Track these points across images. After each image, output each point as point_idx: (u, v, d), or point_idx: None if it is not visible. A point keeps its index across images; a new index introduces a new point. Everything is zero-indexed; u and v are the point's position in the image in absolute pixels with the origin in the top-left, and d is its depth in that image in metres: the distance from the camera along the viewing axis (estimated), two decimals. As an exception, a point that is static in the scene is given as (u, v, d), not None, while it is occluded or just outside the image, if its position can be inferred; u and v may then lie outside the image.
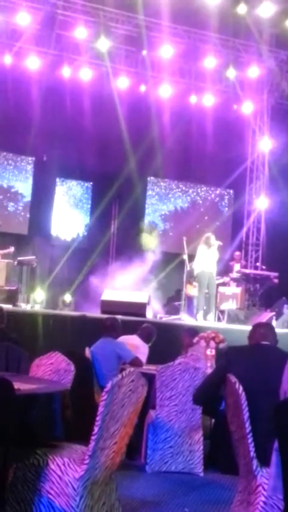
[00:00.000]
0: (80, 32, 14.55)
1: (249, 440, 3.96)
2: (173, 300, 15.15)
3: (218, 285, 13.86)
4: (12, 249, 13.59)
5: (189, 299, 13.52)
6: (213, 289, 12.94)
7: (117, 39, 15.09)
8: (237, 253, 15.95)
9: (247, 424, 3.96)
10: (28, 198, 17.36)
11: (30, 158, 17.41)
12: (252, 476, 3.98)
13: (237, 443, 4.21)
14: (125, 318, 9.15)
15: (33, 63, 14.98)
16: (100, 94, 15.76)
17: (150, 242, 12.99)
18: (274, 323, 12.16)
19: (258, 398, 4.07)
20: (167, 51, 15.09)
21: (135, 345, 7.70)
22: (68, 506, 3.75)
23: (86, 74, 15.53)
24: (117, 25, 14.82)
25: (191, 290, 13.23)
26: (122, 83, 15.85)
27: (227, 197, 19.17)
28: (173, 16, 14.44)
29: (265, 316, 12.67)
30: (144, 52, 14.99)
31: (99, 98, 15.73)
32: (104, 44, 14.77)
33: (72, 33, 14.66)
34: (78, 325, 9.77)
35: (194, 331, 8.31)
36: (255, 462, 3.96)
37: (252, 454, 3.96)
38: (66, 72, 15.28)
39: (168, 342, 9.27)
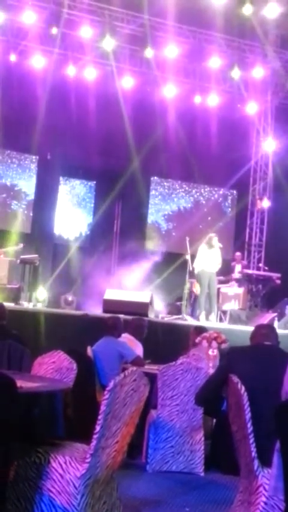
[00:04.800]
0: (85, 31, 14.56)
1: (251, 441, 3.96)
2: (175, 300, 15.14)
3: (220, 285, 13.85)
4: (21, 246, 13.67)
5: (193, 299, 13.51)
6: (214, 289, 12.92)
7: (122, 38, 15.10)
8: (238, 253, 15.93)
9: (249, 424, 3.97)
10: (31, 196, 17.37)
11: (34, 157, 17.42)
12: (253, 476, 3.98)
13: (239, 443, 4.21)
14: (127, 317, 9.15)
15: (38, 62, 15.00)
16: (105, 93, 15.76)
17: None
18: (276, 323, 12.15)
19: (260, 399, 4.07)
20: (171, 51, 15.10)
21: (129, 344, 7.67)
22: (69, 505, 3.76)
23: (90, 74, 15.55)
24: (122, 24, 14.82)
25: (199, 289, 13.20)
26: (126, 82, 15.86)
27: (230, 197, 19.17)
28: (178, 16, 14.43)
29: (267, 317, 12.66)
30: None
31: (104, 97, 15.73)
32: (109, 44, 14.78)
33: (77, 32, 14.68)
34: (80, 324, 9.78)
35: (201, 329, 8.31)
36: (256, 462, 3.96)
37: (253, 454, 3.96)
38: (71, 71, 15.31)
39: (170, 341, 9.28)
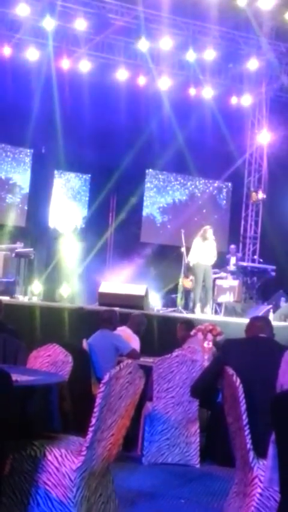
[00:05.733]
0: (80, 24, 14.51)
1: (246, 432, 3.97)
2: (170, 292, 15.17)
3: (215, 278, 13.89)
4: (21, 245, 13.67)
5: (188, 292, 13.54)
6: (209, 281, 12.95)
7: (116, 30, 15.06)
8: (233, 246, 15.97)
9: (244, 416, 3.98)
10: (26, 190, 17.34)
11: (28, 150, 17.38)
12: (248, 468, 4.00)
13: (234, 435, 4.22)
14: (123, 310, 9.16)
15: (32, 54, 14.95)
16: (99, 86, 15.74)
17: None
18: (271, 315, 12.19)
19: (255, 391, 4.08)
20: (166, 43, 15.06)
21: (126, 337, 7.71)
22: (65, 497, 3.76)
23: (85, 66, 15.52)
24: (116, 16, 14.78)
25: (187, 283, 13.24)
26: (121, 75, 15.84)
27: (225, 190, 19.17)
28: (173, 8, 14.40)
29: (262, 309, 12.70)
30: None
31: (98, 90, 15.70)
32: (103, 36, 14.73)
33: (71, 25, 14.63)
34: (75, 317, 9.78)
35: (189, 323, 8.31)
36: (251, 454, 3.97)
37: (248, 445, 3.97)
38: (65, 64, 15.27)
39: (165, 334, 9.29)
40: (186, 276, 13.25)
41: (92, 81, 15.72)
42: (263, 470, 3.85)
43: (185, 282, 13.25)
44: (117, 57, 15.60)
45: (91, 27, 14.68)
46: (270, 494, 3.85)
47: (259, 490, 3.90)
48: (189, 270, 13.19)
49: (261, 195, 17.19)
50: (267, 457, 3.59)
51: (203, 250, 12.77)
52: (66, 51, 15.23)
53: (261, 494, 3.90)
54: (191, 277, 13.13)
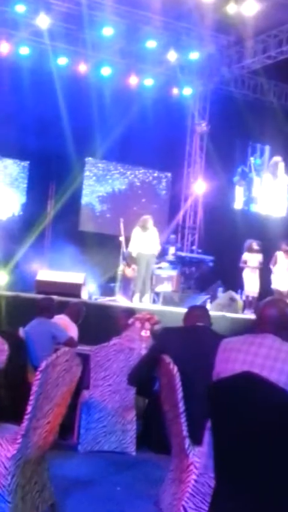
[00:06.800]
0: (20, 8, 14.31)
1: (182, 420, 4.00)
2: (108, 281, 15.15)
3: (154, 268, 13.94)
4: None
5: (126, 281, 13.54)
6: (149, 271, 12.99)
7: (57, 16, 14.90)
8: (172, 236, 16.06)
9: (180, 404, 4.00)
10: None
11: None
12: (184, 454, 4.03)
13: (171, 423, 4.25)
14: (61, 298, 9.10)
15: None
16: (39, 72, 15.56)
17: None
18: (209, 305, 12.31)
19: (192, 378, 4.10)
20: (107, 31, 14.99)
21: (64, 325, 7.68)
22: (-1, 485, 3.72)
23: (24, 51, 15.31)
24: (57, 2, 14.62)
25: (129, 272, 13.25)
26: (61, 61, 15.70)
27: (164, 180, 19.21)
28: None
29: (200, 299, 12.83)
30: None
31: (38, 76, 15.51)
32: (44, 21, 14.56)
33: (11, 9, 14.41)
34: (12, 305, 9.68)
35: (131, 312, 8.32)
36: (187, 441, 4.00)
37: (184, 433, 4.00)
38: (4, 48, 15.04)
39: (103, 323, 9.28)
40: (129, 265, 13.25)
41: (32, 66, 15.53)
42: (198, 457, 3.88)
43: (127, 271, 13.25)
44: (58, 44, 15.43)
45: (32, 11, 14.49)
46: (205, 481, 3.88)
47: (194, 477, 3.93)
48: (131, 260, 13.19)
49: (200, 186, 17.34)
50: (203, 443, 3.62)
51: (143, 240, 12.78)
52: (6, 35, 14.99)
53: (196, 481, 3.92)
54: (133, 266, 13.13)
